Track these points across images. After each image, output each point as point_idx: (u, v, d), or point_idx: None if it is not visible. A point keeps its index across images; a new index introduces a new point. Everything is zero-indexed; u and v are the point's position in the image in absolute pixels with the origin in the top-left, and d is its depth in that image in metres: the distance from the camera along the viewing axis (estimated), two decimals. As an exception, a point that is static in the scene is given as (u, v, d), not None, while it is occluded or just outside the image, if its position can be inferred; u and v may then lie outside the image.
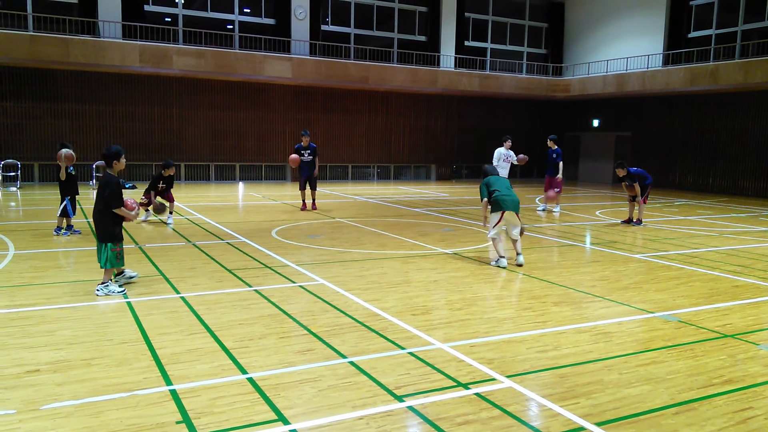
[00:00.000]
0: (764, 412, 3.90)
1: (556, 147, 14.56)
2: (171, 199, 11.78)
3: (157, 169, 11.99)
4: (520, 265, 8.22)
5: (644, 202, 12.53)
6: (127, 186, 18.66)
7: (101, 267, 6.38)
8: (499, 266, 8.16)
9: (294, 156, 13.76)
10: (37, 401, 3.79)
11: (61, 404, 3.75)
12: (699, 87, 20.65)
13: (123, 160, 6.52)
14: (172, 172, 11.78)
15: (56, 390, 3.96)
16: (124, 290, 6.41)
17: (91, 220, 8.49)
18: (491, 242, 8.50)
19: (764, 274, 8.04)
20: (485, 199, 8.36)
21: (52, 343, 4.83)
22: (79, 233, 9.88)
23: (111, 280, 6.48)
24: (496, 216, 8.24)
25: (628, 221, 12.67)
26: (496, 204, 8.22)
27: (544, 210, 14.73)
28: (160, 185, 11.63)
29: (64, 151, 9.51)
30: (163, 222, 11.48)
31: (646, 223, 12.80)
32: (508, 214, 8.23)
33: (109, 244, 6.32)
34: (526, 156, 14.31)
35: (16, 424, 3.50)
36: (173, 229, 10.72)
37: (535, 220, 13.18)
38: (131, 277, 6.82)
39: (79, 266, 7.69)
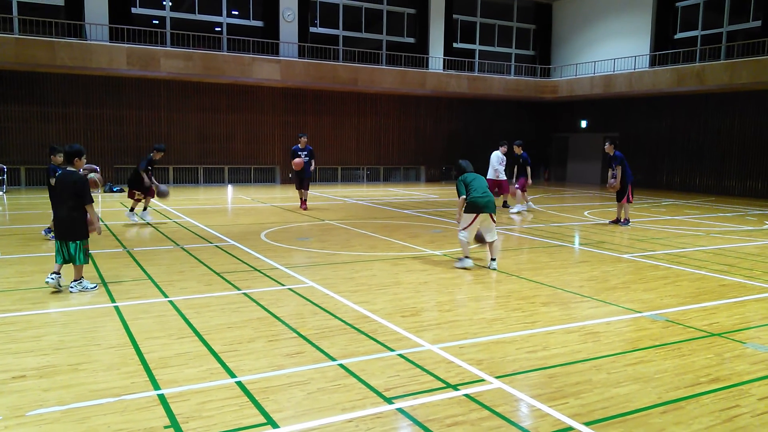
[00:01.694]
0: (751, 410, 3.93)
1: (523, 152, 14.95)
2: (152, 194, 11.72)
3: (145, 156, 11.88)
4: (492, 269, 8.01)
5: (627, 202, 12.49)
6: (115, 189, 18.56)
7: (77, 264, 6.49)
8: (464, 267, 8.05)
9: (298, 160, 14.14)
10: (22, 407, 3.75)
11: (48, 410, 3.72)
12: (685, 88, 20.83)
13: (84, 160, 6.63)
14: (160, 156, 11.76)
15: (42, 396, 3.92)
16: (95, 286, 6.59)
17: None
18: (460, 241, 8.24)
19: (750, 273, 8.12)
20: (463, 197, 8.12)
21: (39, 348, 4.79)
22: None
23: (83, 276, 6.62)
24: (469, 217, 8.07)
25: (616, 221, 12.74)
26: (471, 206, 8.02)
27: (519, 212, 14.68)
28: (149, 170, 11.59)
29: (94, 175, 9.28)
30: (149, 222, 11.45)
31: (634, 223, 12.88)
32: (483, 217, 8.05)
33: (80, 242, 6.47)
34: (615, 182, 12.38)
35: (1, 430, 3.46)
36: (160, 232, 10.66)
37: (525, 221, 13.22)
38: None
39: (67, 269, 7.61)
